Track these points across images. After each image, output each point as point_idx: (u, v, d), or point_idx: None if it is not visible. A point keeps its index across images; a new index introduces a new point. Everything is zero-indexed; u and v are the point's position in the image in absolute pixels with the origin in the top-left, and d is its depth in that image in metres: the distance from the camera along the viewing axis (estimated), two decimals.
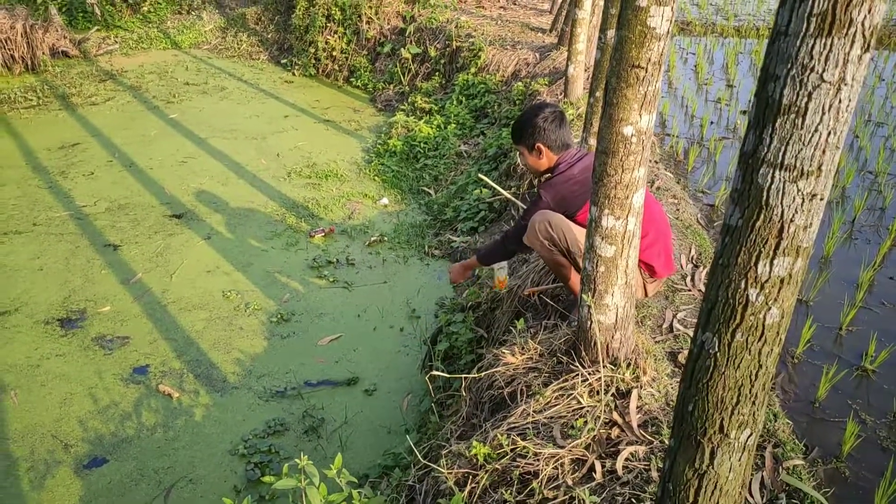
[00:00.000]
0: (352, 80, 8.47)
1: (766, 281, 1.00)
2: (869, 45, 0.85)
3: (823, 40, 0.85)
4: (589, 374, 2.29)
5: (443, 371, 3.33)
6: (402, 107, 7.39)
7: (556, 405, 2.29)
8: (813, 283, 3.39)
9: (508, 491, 2.03)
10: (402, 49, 7.90)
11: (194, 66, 8.81)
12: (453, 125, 6.51)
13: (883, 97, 6.30)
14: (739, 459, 1.15)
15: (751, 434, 1.14)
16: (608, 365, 2.30)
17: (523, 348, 2.57)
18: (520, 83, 6.20)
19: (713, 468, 1.16)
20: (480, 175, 4.47)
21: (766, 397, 1.12)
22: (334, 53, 8.54)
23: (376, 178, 5.91)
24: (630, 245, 2.14)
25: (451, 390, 3.09)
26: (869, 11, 0.83)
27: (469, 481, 2.13)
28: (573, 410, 2.26)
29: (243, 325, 3.87)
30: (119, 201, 5.24)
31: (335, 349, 3.73)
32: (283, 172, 5.90)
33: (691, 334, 2.59)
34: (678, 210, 3.50)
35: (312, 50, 8.60)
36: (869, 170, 4.72)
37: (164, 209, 5.14)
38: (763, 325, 1.03)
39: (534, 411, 2.29)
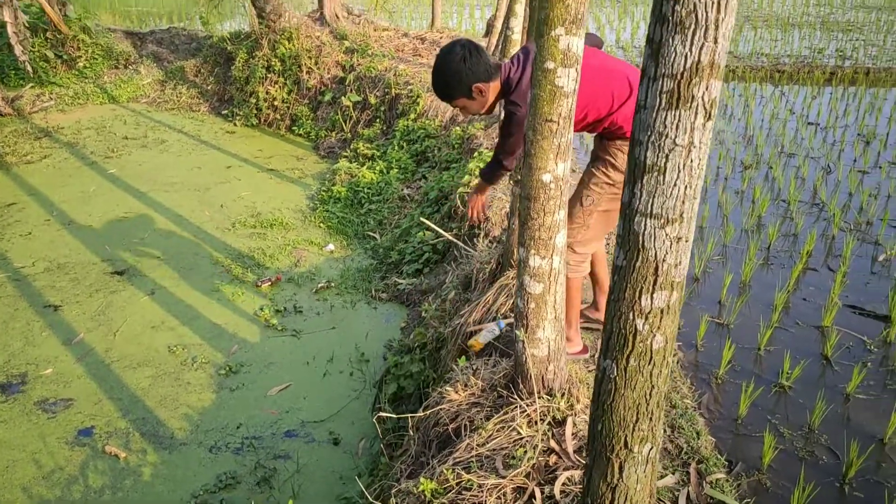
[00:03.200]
0: (294, 128, 8.59)
1: (650, 312, 1.15)
2: (710, 115, 1.03)
3: (673, 112, 1.02)
4: (527, 405, 2.41)
5: (391, 412, 3.41)
6: (345, 153, 7.54)
7: (497, 437, 2.41)
8: (733, 307, 3.63)
9: None
10: (343, 97, 8.09)
11: (133, 119, 8.78)
12: (395, 170, 6.68)
13: (794, 129, 6.79)
14: (644, 471, 1.30)
15: (651, 447, 1.28)
16: (544, 395, 2.44)
17: (466, 385, 2.69)
18: (457, 128, 6.45)
19: (623, 481, 1.30)
20: (422, 219, 4.62)
21: (662, 413, 1.27)
22: (276, 103, 8.66)
23: (321, 224, 6.00)
24: (556, 282, 2.31)
25: (401, 431, 3.17)
26: (707, 88, 1.01)
27: None
28: (514, 441, 2.38)
29: (190, 380, 3.87)
30: (58, 260, 5.18)
31: (285, 398, 3.76)
32: (228, 223, 5.92)
33: None
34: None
35: (253, 100, 8.71)
36: (783, 198, 5.09)
37: (105, 266, 5.09)
38: (651, 351, 1.19)
39: (477, 445, 2.40)
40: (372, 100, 7.87)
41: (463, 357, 2.84)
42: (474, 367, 2.80)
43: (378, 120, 7.78)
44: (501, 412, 2.49)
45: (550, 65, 1.96)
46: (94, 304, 4.60)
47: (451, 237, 4.44)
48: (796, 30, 12.47)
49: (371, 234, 5.87)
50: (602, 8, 16.13)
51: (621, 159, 2.58)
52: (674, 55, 0.98)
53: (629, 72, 2.54)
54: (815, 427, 2.76)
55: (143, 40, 10.55)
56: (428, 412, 2.66)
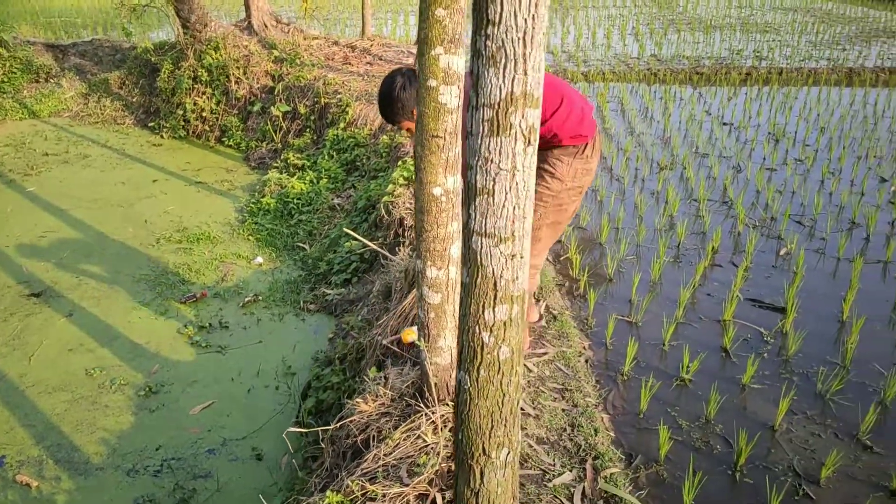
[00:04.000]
0: (224, 139, 8.46)
1: (493, 325, 1.22)
2: (529, 141, 1.10)
3: (495, 139, 1.09)
4: (431, 412, 2.47)
5: (312, 425, 3.42)
6: (276, 164, 7.48)
7: (404, 446, 2.45)
8: (640, 305, 3.78)
9: None
10: (273, 107, 8.02)
11: (54, 135, 8.50)
12: (325, 180, 6.67)
13: (709, 130, 7.08)
14: (504, 475, 1.36)
15: (509, 452, 1.35)
16: (448, 402, 2.50)
17: (376, 396, 2.73)
18: (385, 136, 6.48)
19: (484, 485, 1.36)
20: (346, 229, 4.64)
21: (517, 420, 1.34)
22: (204, 114, 8.52)
23: (250, 237, 5.94)
24: (454, 292, 2.37)
25: (321, 443, 3.18)
26: (523, 117, 1.08)
27: None
28: (419, 448, 2.43)
29: (109, 403, 3.78)
30: None
31: (208, 416, 3.72)
32: (152, 239, 5.80)
33: (531, 364, 2.85)
34: None
35: (181, 112, 8.54)
36: (694, 198, 5.31)
37: (21, 288, 4.93)
38: (499, 361, 1.26)
39: (384, 454, 2.44)
40: (302, 109, 7.84)
41: (374, 368, 2.88)
42: (385, 377, 2.84)
43: (308, 129, 7.75)
44: (409, 421, 2.54)
45: (433, 83, 2.02)
46: (8, 328, 4.45)
47: (374, 246, 4.47)
48: (718, 32, 12.98)
49: (301, 245, 5.84)
50: None
51: (560, 168, 2.67)
52: (490, 86, 1.05)
53: (557, 81, 2.66)
54: (711, 418, 2.91)
55: (65, 52, 10.22)
56: (339, 424, 2.69)
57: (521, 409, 2.63)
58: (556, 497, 2.23)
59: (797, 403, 3.03)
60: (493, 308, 1.20)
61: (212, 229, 6.03)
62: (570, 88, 2.73)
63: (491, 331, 1.22)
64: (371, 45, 9.54)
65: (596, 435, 2.51)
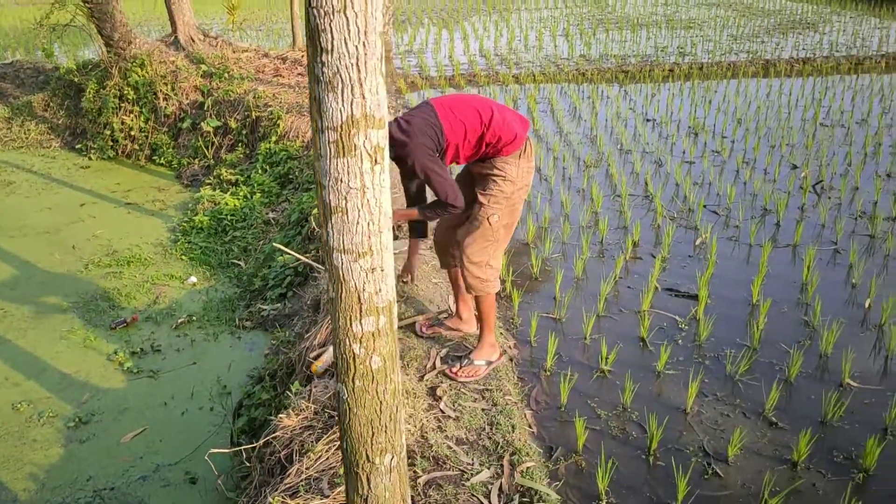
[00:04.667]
0: (154, 158, 8.31)
1: (362, 337, 1.27)
2: (376, 160, 1.16)
3: (342, 160, 1.14)
4: None
5: (245, 444, 3.40)
6: (209, 180, 7.38)
7: (326, 457, 2.48)
8: (563, 302, 3.89)
9: None
10: (203, 123, 7.91)
11: None
12: (259, 194, 6.62)
13: (633, 127, 7.31)
14: (390, 480, 1.42)
15: (392, 457, 1.40)
16: None
17: (299, 410, 2.75)
18: None
19: (372, 491, 1.41)
20: (276, 244, 4.63)
21: (399, 425, 1.40)
22: (132, 133, 8.35)
23: (183, 257, 5.85)
24: None
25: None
26: (367, 138, 1.14)
27: None
28: (341, 460, 2.47)
29: (36, 437, 3.69)
30: None
31: (140, 444, 3.66)
32: (80, 265, 5.66)
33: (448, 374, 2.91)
34: None
35: (108, 132, 8.35)
36: (617, 193, 5.48)
37: None
38: (372, 371, 1.31)
39: (306, 468, 2.47)
40: (233, 124, 7.76)
41: (296, 383, 2.90)
42: (309, 391, 2.86)
43: (240, 144, 7.68)
44: (330, 432, 2.57)
45: None
46: None
47: (306, 259, 4.47)
48: (644, 30, 13.38)
49: (236, 261, 5.79)
50: (472, 16, 16.61)
51: (510, 170, 2.80)
52: (331, 110, 1.11)
53: (480, 97, 2.85)
54: (628, 405, 3.03)
55: None
56: (263, 441, 2.70)
57: (442, 411, 2.69)
58: (474, 495, 2.30)
59: (708, 386, 3.18)
60: (360, 320, 1.25)
61: (143, 251, 5.92)
62: (494, 101, 2.87)
63: (360, 342, 1.27)
64: (302, 56, 9.50)
65: (514, 431, 2.59)
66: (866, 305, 3.84)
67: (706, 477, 2.67)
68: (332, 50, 1.05)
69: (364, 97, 1.10)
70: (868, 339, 3.59)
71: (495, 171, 2.77)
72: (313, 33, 1.06)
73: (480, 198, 2.81)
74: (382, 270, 1.24)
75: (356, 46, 1.05)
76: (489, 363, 2.96)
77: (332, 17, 1.03)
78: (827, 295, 3.93)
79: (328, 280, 1.26)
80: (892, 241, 4.54)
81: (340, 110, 1.11)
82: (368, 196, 1.17)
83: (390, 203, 1.24)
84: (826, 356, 3.40)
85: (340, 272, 1.22)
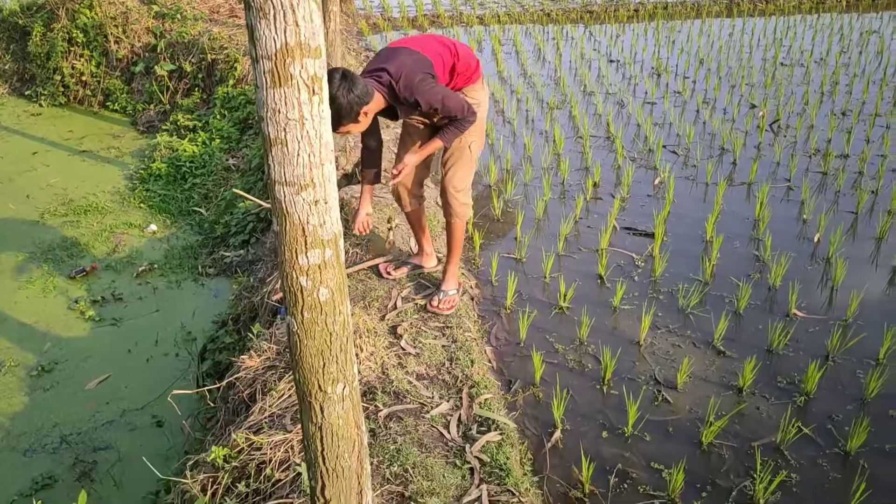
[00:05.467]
0: (108, 104, 8.02)
1: (308, 269, 1.29)
2: (314, 91, 1.16)
3: (279, 90, 1.14)
4: None
5: (210, 384, 3.44)
6: (165, 126, 7.18)
7: (288, 395, 2.53)
8: (524, 242, 3.95)
9: (245, 483, 2.24)
10: (157, 66, 7.64)
11: None
12: (218, 140, 6.48)
13: (597, 69, 7.27)
14: (343, 408, 1.46)
15: (345, 386, 1.45)
16: None
17: (261, 351, 2.78)
18: None
19: (326, 419, 1.46)
20: (235, 190, 4.57)
21: (349, 355, 1.44)
22: (84, 78, 8.03)
23: (142, 205, 5.75)
24: None
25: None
26: (303, 67, 1.13)
27: (212, 484, 2.31)
28: None
29: None
30: None
31: (105, 390, 3.67)
32: (35, 215, 5.53)
33: (412, 307, 2.96)
34: None
35: (58, 77, 8.01)
36: (579, 135, 5.50)
37: None
38: (320, 303, 1.33)
39: (269, 406, 2.51)
40: (188, 67, 7.51)
41: (258, 324, 2.92)
42: (271, 333, 2.89)
43: (197, 88, 7.45)
44: (291, 371, 2.61)
45: None
46: None
47: (267, 205, 4.43)
48: None
49: (196, 209, 5.71)
50: None
51: (480, 96, 2.95)
52: (264, 38, 1.09)
53: (433, 35, 2.93)
54: (584, 340, 3.13)
55: None
56: (226, 382, 2.74)
57: (402, 348, 2.75)
58: (434, 426, 2.38)
59: (661, 319, 3.29)
60: (306, 253, 1.27)
61: (100, 199, 5.79)
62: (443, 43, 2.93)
63: (307, 275, 1.29)
64: None
65: (473, 366, 2.66)
66: (815, 240, 3.97)
67: (656, 403, 2.80)
68: None
69: (298, 24, 1.09)
70: (816, 271, 3.73)
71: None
72: None
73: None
74: (326, 203, 1.25)
75: None
76: (457, 290, 3.12)
77: None
78: (778, 230, 4.05)
79: (272, 213, 1.27)
80: (842, 177, 4.67)
81: (274, 38, 1.09)
82: (308, 127, 1.17)
83: (331, 134, 1.24)
84: (774, 288, 3.54)
85: (283, 205, 1.23)
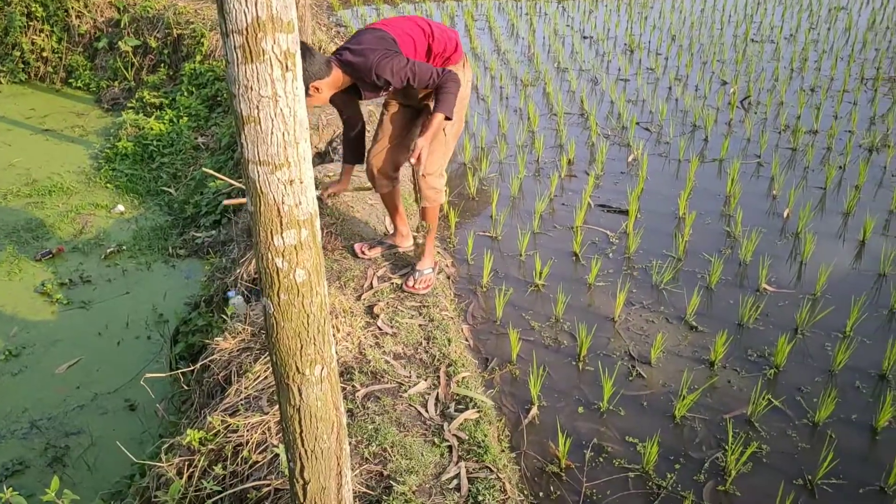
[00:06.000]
0: (71, 81, 7.78)
1: (284, 250, 1.27)
2: (287, 67, 1.12)
3: (250, 66, 1.10)
4: None
5: (183, 367, 3.40)
6: (131, 104, 7.00)
7: (265, 377, 2.51)
8: (500, 220, 3.95)
9: (222, 465, 2.22)
10: (121, 42, 7.41)
11: None
12: (186, 118, 6.33)
13: (570, 45, 7.24)
14: (322, 389, 1.45)
15: (323, 368, 1.43)
16: None
17: (236, 332, 2.74)
18: None
19: (304, 401, 1.44)
20: (205, 169, 4.47)
21: (327, 336, 1.42)
22: (45, 54, 7.76)
23: (108, 185, 5.61)
24: None
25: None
26: (275, 42, 1.09)
27: (188, 467, 2.29)
28: None
29: None
30: None
31: (76, 374, 3.61)
32: None
33: (388, 286, 2.95)
34: None
35: (18, 53, 7.73)
36: (553, 112, 5.49)
37: None
38: (297, 284, 1.31)
39: (245, 388, 2.49)
40: (153, 43, 7.30)
41: (231, 305, 2.88)
42: (246, 315, 2.86)
43: (163, 65, 7.26)
44: (268, 352, 2.58)
45: None
46: None
47: (239, 185, 4.34)
48: None
49: (165, 188, 5.59)
50: None
51: (465, 75, 2.90)
52: (234, 11, 1.05)
53: (408, 16, 2.89)
54: (560, 317, 3.15)
55: None
56: (200, 364, 2.70)
57: (379, 328, 2.74)
58: (412, 405, 2.39)
59: (635, 295, 3.33)
60: (281, 234, 1.24)
61: (64, 180, 5.64)
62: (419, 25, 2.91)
63: (283, 256, 1.27)
64: None
65: (450, 345, 2.66)
66: (784, 215, 4.04)
67: (630, 378, 2.84)
68: None
69: None
70: (785, 246, 3.79)
71: None
72: None
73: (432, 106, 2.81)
74: (302, 182, 1.22)
75: None
76: (432, 269, 3.11)
77: None
78: (749, 206, 4.11)
79: (247, 194, 1.24)
80: (811, 153, 4.74)
81: (245, 11, 1.06)
82: (281, 105, 1.14)
83: (306, 113, 1.21)
84: (745, 264, 3.60)
85: (258, 185, 1.20)
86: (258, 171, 1.20)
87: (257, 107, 1.14)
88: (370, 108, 5.03)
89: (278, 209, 1.23)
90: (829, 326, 3.12)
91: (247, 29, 1.07)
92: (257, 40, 1.08)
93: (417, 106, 2.91)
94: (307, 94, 2.57)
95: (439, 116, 2.67)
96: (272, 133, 1.16)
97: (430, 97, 2.84)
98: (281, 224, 1.25)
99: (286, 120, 1.16)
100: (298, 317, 1.35)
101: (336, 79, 2.64)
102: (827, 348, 3.01)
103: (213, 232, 4.90)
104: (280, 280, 1.30)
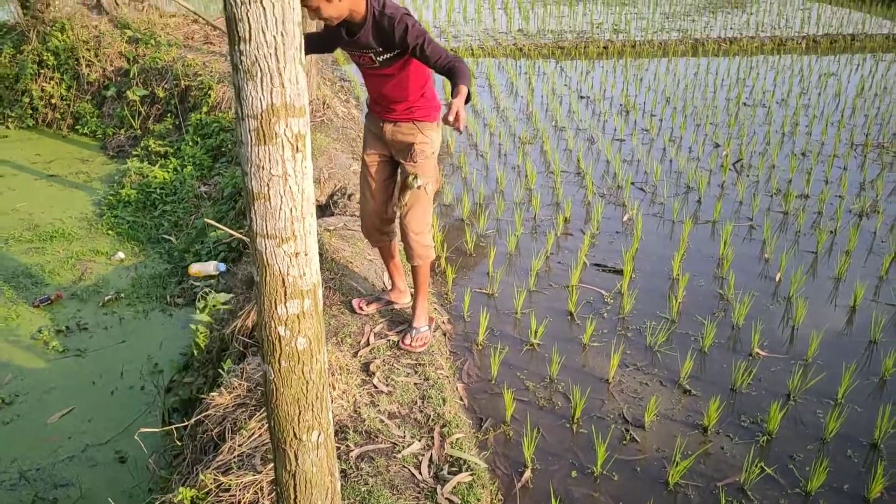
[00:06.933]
0: (77, 127, 7.94)
1: (287, 319, 1.31)
2: (297, 148, 1.19)
3: (263, 148, 1.17)
4: None
5: (176, 422, 3.39)
6: (136, 152, 7.13)
7: (259, 434, 2.51)
8: (496, 277, 4.00)
9: None
10: (129, 91, 7.60)
11: None
12: (190, 167, 6.44)
13: (567, 104, 7.44)
14: (317, 455, 1.47)
15: (319, 434, 1.45)
16: None
17: (232, 387, 2.75)
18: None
19: (300, 467, 1.46)
20: (207, 220, 4.54)
21: (325, 403, 1.45)
22: (53, 101, 7.94)
23: (110, 231, 5.67)
24: None
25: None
26: (287, 126, 1.16)
27: None
28: None
29: None
30: None
31: (67, 424, 3.59)
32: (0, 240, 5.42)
33: (384, 343, 2.97)
34: None
35: (27, 100, 7.92)
36: (550, 170, 5.61)
37: None
38: (298, 352, 1.35)
39: (239, 445, 2.49)
40: (161, 93, 7.48)
41: (228, 360, 2.90)
42: (242, 370, 2.87)
43: (169, 114, 7.42)
44: (263, 410, 2.59)
45: None
46: None
47: (239, 235, 4.41)
48: (581, 4, 13.52)
49: (166, 236, 5.64)
50: None
51: (435, 137, 2.91)
52: (251, 99, 1.12)
53: None
54: (554, 377, 3.17)
55: None
56: (195, 420, 2.70)
57: (374, 386, 2.75)
58: (405, 467, 2.38)
59: (629, 357, 3.35)
60: (285, 303, 1.29)
61: (67, 225, 5.70)
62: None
63: (286, 324, 1.31)
64: None
65: (445, 405, 2.68)
66: (776, 279, 4.10)
67: (624, 442, 2.84)
68: (249, 39, 1.07)
69: (284, 86, 1.12)
70: (777, 310, 3.84)
71: (420, 139, 2.84)
72: (230, 21, 1.07)
73: (410, 169, 2.85)
74: (306, 255, 1.27)
75: (274, 36, 1.07)
76: (429, 326, 3.14)
77: (248, 5, 1.04)
78: (741, 269, 4.17)
79: (252, 264, 1.29)
80: (802, 217, 4.83)
81: (260, 99, 1.13)
82: (291, 183, 1.20)
83: (313, 189, 1.27)
84: (738, 327, 3.63)
85: (264, 256, 1.25)
86: (266, 244, 1.25)
87: (268, 184, 1.20)
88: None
89: (283, 280, 1.28)
90: (821, 393, 3.14)
91: (262, 114, 1.14)
92: (271, 124, 1.15)
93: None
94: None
95: (463, 88, 2.53)
96: (280, 209, 1.22)
97: (410, 142, 2.83)
98: (285, 294, 1.29)
99: (294, 197, 1.22)
100: (298, 383, 1.39)
101: (348, 4, 2.50)
102: (819, 415, 3.02)
103: (212, 282, 4.94)
104: (282, 347, 1.34)
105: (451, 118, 2.44)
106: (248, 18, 1.04)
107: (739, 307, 3.65)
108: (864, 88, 8.11)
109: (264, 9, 1.03)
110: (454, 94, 2.51)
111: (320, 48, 2.94)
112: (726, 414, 2.99)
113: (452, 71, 2.58)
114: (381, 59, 2.67)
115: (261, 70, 1.10)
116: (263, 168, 1.18)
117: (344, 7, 2.49)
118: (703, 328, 3.52)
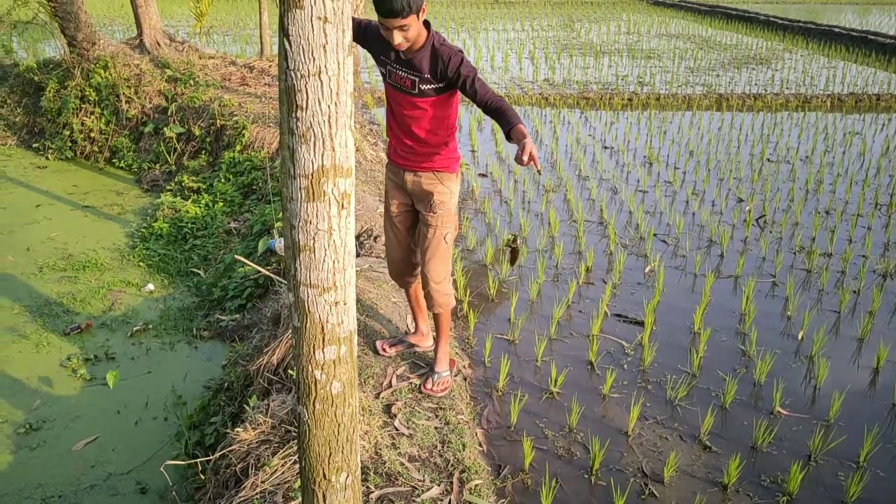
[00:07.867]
0: (114, 161, 8.22)
1: (324, 364, 1.38)
2: (343, 205, 1.28)
3: (312, 204, 1.26)
4: None
5: (199, 455, 3.44)
6: (169, 187, 7.35)
7: (281, 471, 2.56)
8: (517, 324, 4.04)
9: None
10: (166, 128, 7.88)
11: None
12: (221, 203, 6.63)
13: (591, 154, 7.56)
14: (345, 496, 1.52)
15: (348, 475, 1.51)
16: None
17: (256, 424, 2.81)
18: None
19: None
20: (237, 256, 4.67)
21: (354, 445, 1.50)
22: (92, 135, 8.26)
23: (141, 263, 5.82)
24: None
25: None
26: (335, 185, 1.25)
27: None
28: (296, 473, 2.55)
29: None
30: None
31: (91, 452, 3.65)
32: (34, 268, 5.59)
33: (406, 386, 3.02)
34: None
35: (67, 132, 8.24)
36: (573, 219, 5.69)
37: None
38: (332, 396, 1.42)
39: (262, 481, 2.54)
40: (196, 131, 7.74)
41: (254, 396, 2.97)
42: (267, 406, 2.93)
43: (204, 152, 7.67)
44: (286, 446, 2.65)
45: None
46: None
47: (266, 272, 4.52)
48: (606, 57, 13.79)
49: (195, 270, 5.78)
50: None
51: (455, 188, 2.98)
52: (304, 160, 1.22)
53: None
54: (574, 427, 3.18)
55: None
56: (219, 454, 2.76)
57: (396, 428, 2.80)
58: None
59: (649, 410, 3.36)
60: (323, 349, 1.36)
61: (99, 256, 5.87)
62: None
63: (322, 369, 1.38)
64: (270, 66, 9.53)
65: (464, 450, 2.71)
66: (799, 337, 4.09)
67: (643, 497, 2.83)
68: (306, 108, 1.17)
69: (334, 150, 1.22)
70: (799, 369, 3.82)
71: (440, 190, 2.90)
72: (290, 91, 1.17)
73: (430, 219, 2.93)
74: (345, 304, 1.35)
75: (328, 106, 1.17)
76: (450, 371, 3.18)
77: (307, 79, 1.14)
78: (763, 325, 4.17)
79: (293, 310, 1.36)
80: (826, 276, 4.83)
81: (312, 161, 1.22)
82: (335, 237, 1.28)
83: (354, 243, 1.35)
84: (759, 384, 3.62)
85: (306, 304, 1.33)
86: (308, 293, 1.33)
87: (314, 238, 1.29)
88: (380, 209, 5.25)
89: (322, 327, 1.35)
90: (843, 455, 3.11)
91: (312, 174, 1.23)
92: (320, 184, 1.24)
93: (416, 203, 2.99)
94: (417, 15, 2.48)
95: (521, 127, 2.56)
96: (324, 261, 1.30)
97: (430, 191, 2.89)
98: (323, 340, 1.37)
99: (338, 249, 1.30)
100: (330, 426, 1.45)
101: (421, 28, 2.57)
102: (840, 478, 2.99)
103: (238, 316, 5.03)
104: (317, 391, 1.41)
105: (525, 158, 2.44)
106: (307, 90, 1.15)
107: (761, 364, 3.64)
108: (889, 148, 8.13)
109: (322, 82, 1.14)
110: (512, 133, 2.55)
111: (356, 35, 2.89)
112: (746, 472, 2.97)
113: (502, 110, 2.62)
114: (422, 86, 2.71)
115: (314, 135, 1.19)
116: (311, 223, 1.27)
117: (418, 27, 2.56)
118: (725, 384, 3.52)
